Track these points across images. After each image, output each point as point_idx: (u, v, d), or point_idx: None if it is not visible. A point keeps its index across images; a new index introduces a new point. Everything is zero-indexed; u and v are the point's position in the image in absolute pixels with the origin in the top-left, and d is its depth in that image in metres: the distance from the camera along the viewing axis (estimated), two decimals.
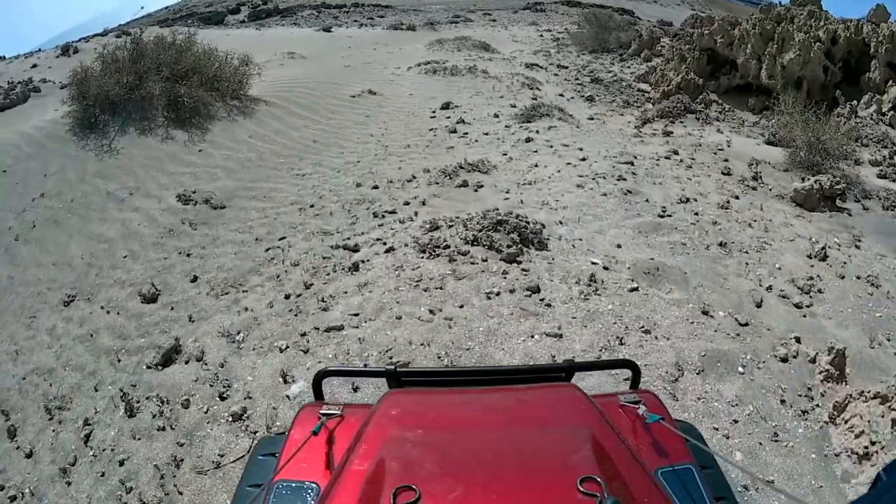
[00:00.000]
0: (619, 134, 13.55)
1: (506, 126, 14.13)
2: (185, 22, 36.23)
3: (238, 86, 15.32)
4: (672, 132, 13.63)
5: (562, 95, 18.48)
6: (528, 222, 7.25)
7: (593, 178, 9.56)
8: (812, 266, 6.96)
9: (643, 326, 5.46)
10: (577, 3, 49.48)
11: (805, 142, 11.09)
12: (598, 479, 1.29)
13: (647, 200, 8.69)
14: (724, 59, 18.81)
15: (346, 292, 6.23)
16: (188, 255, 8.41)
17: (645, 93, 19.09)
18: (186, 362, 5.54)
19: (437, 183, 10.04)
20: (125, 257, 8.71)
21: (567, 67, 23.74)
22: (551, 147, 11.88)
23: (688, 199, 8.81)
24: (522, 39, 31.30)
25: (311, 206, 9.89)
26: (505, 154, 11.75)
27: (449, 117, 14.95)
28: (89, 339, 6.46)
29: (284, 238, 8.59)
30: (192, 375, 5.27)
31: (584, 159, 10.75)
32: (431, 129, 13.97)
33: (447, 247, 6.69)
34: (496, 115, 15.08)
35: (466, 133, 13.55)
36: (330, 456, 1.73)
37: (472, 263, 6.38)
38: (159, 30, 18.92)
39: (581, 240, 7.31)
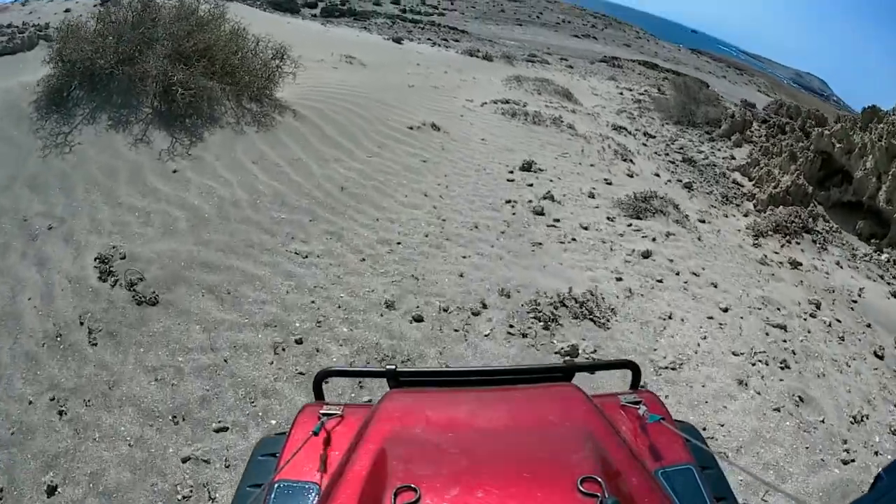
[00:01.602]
0: (743, 255, 9.34)
1: (609, 218, 9.27)
2: (254, 2, 31.82)
3: (264, 84, 10.41)
4: (799, 263, 9.72)
5: (657, 175, 13.55)
6: None
7: (752, 362, 6.03)
8: None
9: None
10: (653, 65, 44.52)
11: None
12: (599, 479, 1.20)
13: (822, 420, 5.51)
14: (838, 168, 14.83)
15: None
16: (55, 425, 4.10)
17: (740, 186, 15.25)
18: None
19: (523, 333, 5.65)
20: None
21: (654, 137, 19.07)
22: (678, 275, 7.70)
23: (861, 419, 5.69)
24: (602, 94, 26.42)
25: (299, 341, 5.11)
26: (620, 280, 7.13)
27: (531, 185, 9.95)
28: None
29: (225, 429, 4.38)
30: None
31: (726, 310, 7.03)
32: (509, 203, 8.96)
33: None
34: (591, 195, 10.14)
35: (558, 221, 8.57)
36: (330, 456, 1.59)
37: None
38: None
39: None
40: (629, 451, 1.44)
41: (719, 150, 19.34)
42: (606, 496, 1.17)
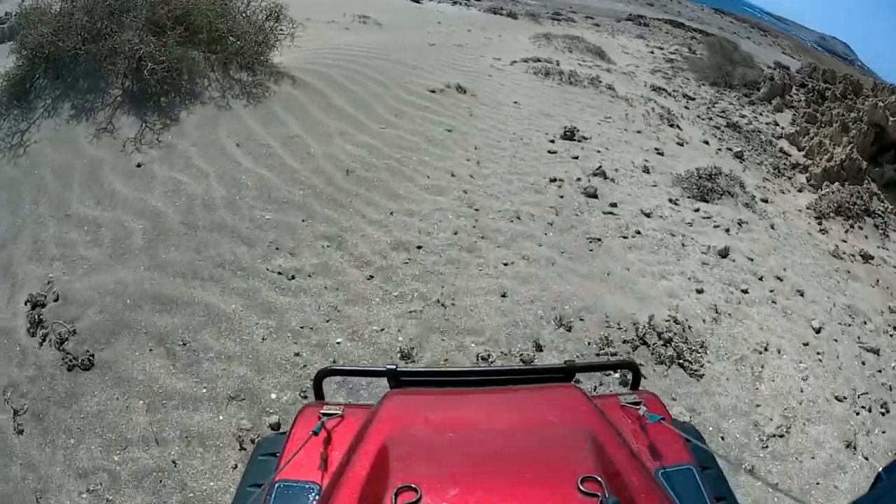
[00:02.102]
0: (815, 246, 8.00)
1: (672, 201, 7.40)
2: None
3: (257, 48, 8.39)
4: (871, 256, 8.39)
5: (706, 143, 11.52)
6: None
7: (857, 410, 4.76)
8: None
9: None
10: (680, 24, 41.20)
11: None
12: (599, 479, 1.16)
13: None
14: (891, 142, 13.33)
15: None
16: None
17: (788, 155, 13.91)
18: None
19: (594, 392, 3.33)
20: None
21: (693, 99, 16.89)
22: (761, 280, 6.21)
23: None
24: (633, 53, 23.86)
25: (275, 426, 3.47)
26: (701, 292, 5.58)
27: (577, 157, 7.92)
28: None
29: None
30: None
31: (819, 330, 5.69)
32: (554, 181, 6.96)
33: None
34: (646, 169, 8.19)
35: (615, 206, 6.68)
36: (331, 456, 1.52)
37: None
38: None
39: None
40: (629, 451, 1.37)
41: (761, 114, 17.59)
42: (607, 496, 1.11)
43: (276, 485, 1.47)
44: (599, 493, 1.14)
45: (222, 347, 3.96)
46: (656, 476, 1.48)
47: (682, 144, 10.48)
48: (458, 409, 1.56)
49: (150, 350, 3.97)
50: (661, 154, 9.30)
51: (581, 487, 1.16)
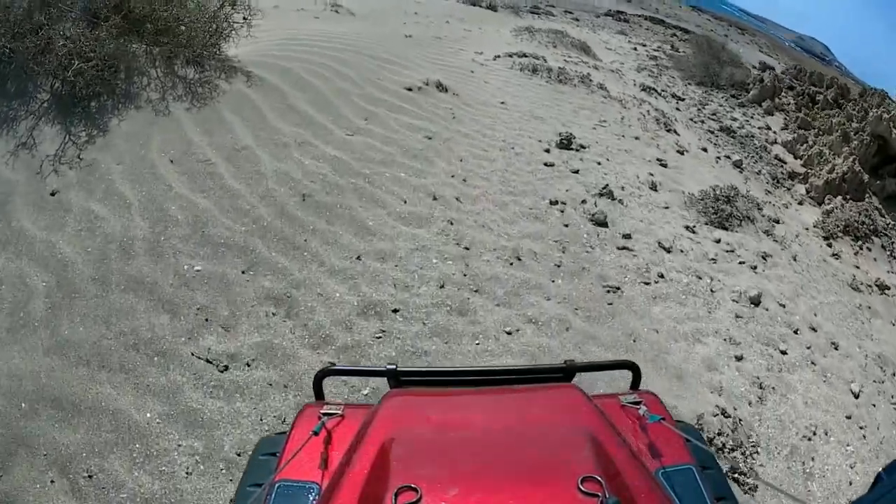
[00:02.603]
0: (834, 277, 7.11)
1: (689, 228, 6.34)
2: None
3: (207, 40, 6.91)
4: (886, 287, 7.70)
5: (704, 150, 10.47)
6: None
7: None
8: None
9: None
10: (660, 21, 40.13)
11: None
12: (599, 479, 1.11)
13: None
14: (893, 155, 12.91)
15: None
16: None
17: (783, 162, 13.14)
18: None
19: None
20: None
21: (683, 100, 15.67)
22: (797, 333, 5.18)
23: None
24: (616, 49, 22.70)
25: None
26: (741, 359, 4.54)
27: (577, 171, 6.66)
28: None
29: None
30: None
31: (857, 395, 4.75)
32: (555, 204, 5.70)
33: None
34: (653, 186, 7.15)
35: (629, 238, 5.57)
36: (331, 456, 1.47)
37: None
38: None
39: None
40: (629, 451, 1.32)
41: (752, 118, 16.65)
42: (607, 496, 1.07)
43: (276, 485, 1.39)
44: (599, 493, 1.08)
45: (136, 484, 2.65)
46: (656, 476, 1.40)
47: (682, 153, 9.36)
48: (459, 409, 1.47)
49: (52, 482, 2.65)
50: (665, 165, 8.10)
51: (581, 487, 1.09)
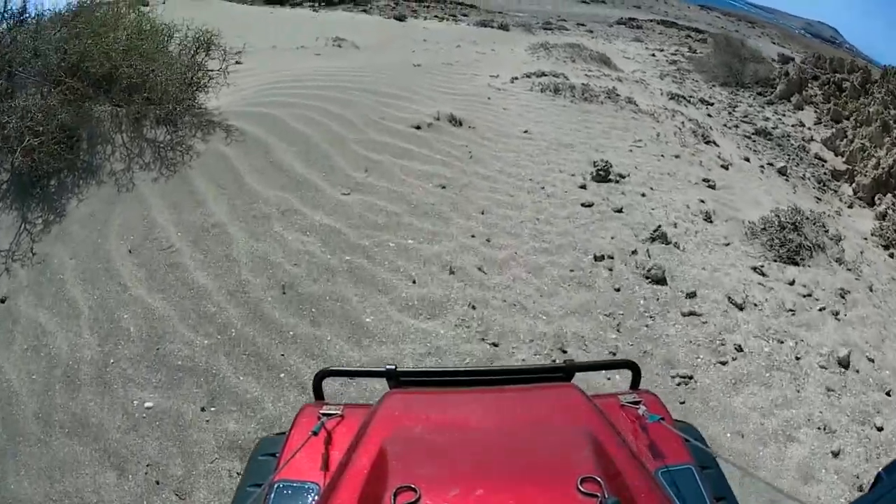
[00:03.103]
0: None
1: (756, 270, 4.97)
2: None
3: (180, 95, 5.88)
4: None
5: (747, 160, 9.14)
6: None
7: None
8: None
9: None
10: (672, 23, 38.69)
11: None
12: (599, 479, 1.07)
13: None
14: None
15: None
16: None
17: (823, 160, 12.08)
18: None
19: None
20: None
21: (712, 104, 14.28)
22: (888, 395, 3.81)
23: None
24: (635, 57, 21.45)
25: None
26: (837, 454, 3.18)
27: (621, 210, 5.39)
28: None
29: None
30: None
31: None
32: (601, 260, 4.45)
33: None
34: (708, 216, 5.87)
35: (693, 297, 4.26)
36: (330, 456, 1.42)
37: None
38: None
39: None
40: (629, 451, 1.29)
41: (784, 115, 15.32)
42: (606, 496, 1.03)
43: (276, 485, 1.35)
44: (599, 494, 1.04)
45: None
46: (656, 476, 1.35)
47: (726, 167, 8.03)
48: (458, 410, 1.41)
49: None
50: (713, 187, 6.79)
51: (581, 488, 1.06)
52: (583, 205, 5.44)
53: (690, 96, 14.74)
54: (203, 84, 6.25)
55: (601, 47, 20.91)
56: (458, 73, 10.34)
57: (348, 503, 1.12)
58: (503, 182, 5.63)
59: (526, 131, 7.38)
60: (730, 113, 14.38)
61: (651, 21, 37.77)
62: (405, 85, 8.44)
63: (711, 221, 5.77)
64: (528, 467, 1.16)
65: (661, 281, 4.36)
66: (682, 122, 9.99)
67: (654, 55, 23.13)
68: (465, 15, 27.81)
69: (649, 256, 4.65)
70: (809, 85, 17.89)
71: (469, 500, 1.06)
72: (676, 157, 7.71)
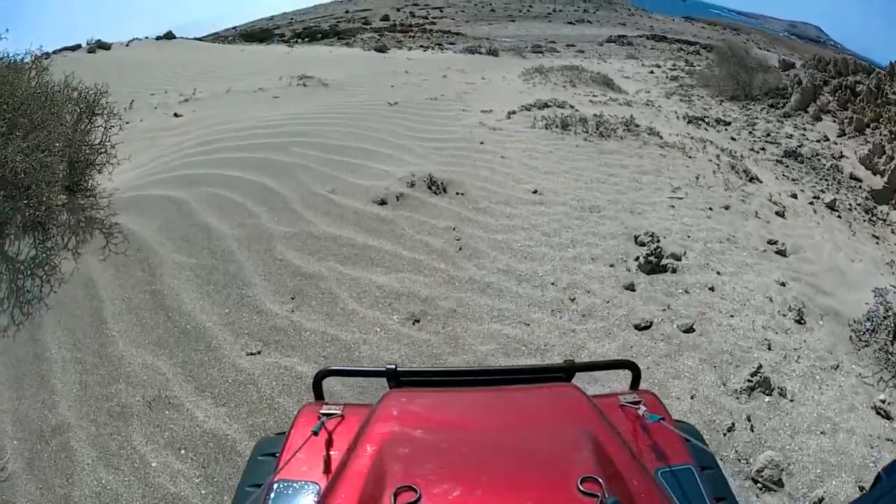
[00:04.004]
0: None
1: (879, 411, 2.84)
2: (234, 39, 24.98)
3: (57, 178, 3.75)
4: None
5: (794, 197, 7.36)
6: None
7: None
8: None
9: None
10: (662, 37, 37.10)
11: None
12: (599, 479, 1.03)
13: None
14: None
15: None
16: None
17: (858, 181, 10.53)
18: None
19: None
20: None
21: (730, 124, 12.30)
22: None
23: None
24: (634, 76, 19.67)
25: None
26: None
27: (692, 328, 3.31)
28: None
29: None
30: None
31: None
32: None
33: None
34: (800, 317, 3.72)
35: None
36: (330, 456, 1.34)
37: None
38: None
39: None
40: (629, 451, 1.23)
41: (805, 129, 13.50)
42: (606, 496, 0.99)
43: (276, 485, 1.28)
44: (599, 494, 1.00)
45: None
46: (656, 476, 1.29)
47: (782, 214, 6.19)
48: (458, 409, 1.37)
49: None
50: (784, 252, 5.02)
51: (580, 487, 1.01)
52: (637, 328, 3.33)
53: (705, 116, 12.87)
54: (92, 162, 4.19)
55: (596, 67, 18.99)
56: (443, 112, 8.27)
57: (348, 503, 1.06)
58: (511, 295, 3.50)
59: (535, 191, 5.30)
60: (751, 132, 12.52)
61: (640, 37, 36.10)
62: (374, 133, 6.36)
63: (804, 323, 3.76)
64: (528, 467, 1.10)
65: (776, 484, 2.28)
66: (717, 156, 7.98)
67: (652, 72, 21.32)
68: (451, 43, 25.97)
69: (752, 429, 2.57)
70: (822, 92, 16.00)
71: (469, 499, 1.02)
72: (727, 208, 5.72)
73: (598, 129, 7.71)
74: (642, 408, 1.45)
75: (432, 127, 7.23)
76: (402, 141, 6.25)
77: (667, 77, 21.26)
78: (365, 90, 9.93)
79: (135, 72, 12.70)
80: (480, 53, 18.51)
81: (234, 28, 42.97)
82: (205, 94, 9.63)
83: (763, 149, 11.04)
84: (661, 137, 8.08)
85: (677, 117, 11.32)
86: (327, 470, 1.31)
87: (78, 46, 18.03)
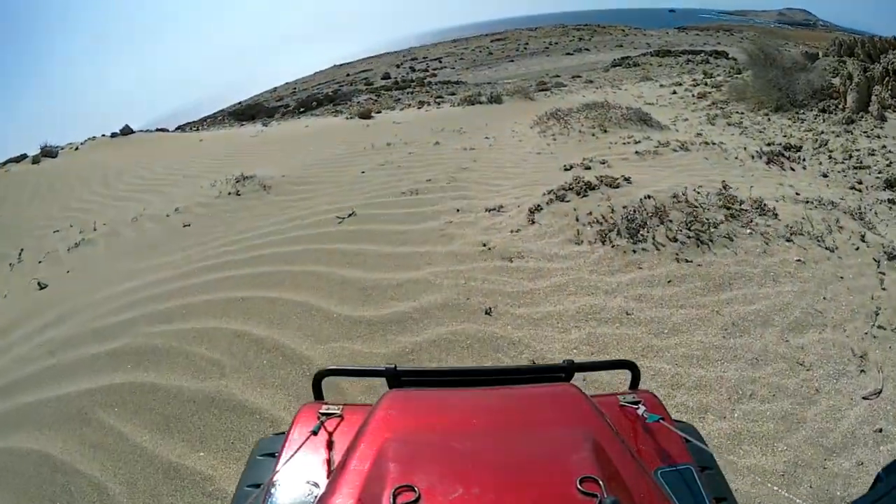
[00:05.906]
0: None
1: None
2: (230, 118, 22.43)
3: None
4: None
5: None
6: None
7: None
8: None
9: None
10: (666, 52, 33.42)
11: None
12: (598, 479, 0.97)
13: None
14: None
15: None
16: None
17: None
18: None
19: None
20: None
21: (800, 148, 8.89)
22: None
23: None
24: (658, 101, 16.15)
25: None
26: None
27: None
28: None
29: None
30: None
31: None
32: None
33: None
34: None
35: None
36: (329, 456, 1.28)
37: None
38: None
39: None
40: (628, 451, 1.15)
41: (878, 138, 10.19)
42: (606, 496, 0.94)
43: (275, 485, 1.21)
44: (598, 494, 0.95)
45: None
46: (655, 476, 1.22)
47: None
48: (458, 409, 1.28)
49: None
50: None
51: (580, 487, 0.96)
52: None
53: (772, 143, 9.29)
54: None
55: (613, 97, 15.45)
56: (424, 223, 4.83)
57: (347, 503, 0.99)
58: None
59: None
60: (830, 157, 8.77)
61: (643, 55, 32.57)
62: (281, 318, 2.88)
63: None
64: (527, 467, 1.05)
65: None
66: (862, 236, 4.35)
67: (674, 92, 17.66)
68: (452, 94, 22.81)
69: None
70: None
71: (468, 499, 0.96)
72: None
73: (688, 227, 4.13)
74: (642, 408, 1.37)
75: (396, 276, 3.76)
76: (326, 331, 2.76)
77: (693, 96, 17.64)
78: (320, 189, 6.59)
79: (62, 188, 9.80)
80: (481, 103, 15.19)
81: (240, 103, 41.20)
82: (108, 226, 6.53)
83: (860, 181, 7.51)
84: (778, 216, 4.49)
85: (750, 156, 7.74)
86: (326, 470, 1.22)
87: (24, 157, 15.42)
